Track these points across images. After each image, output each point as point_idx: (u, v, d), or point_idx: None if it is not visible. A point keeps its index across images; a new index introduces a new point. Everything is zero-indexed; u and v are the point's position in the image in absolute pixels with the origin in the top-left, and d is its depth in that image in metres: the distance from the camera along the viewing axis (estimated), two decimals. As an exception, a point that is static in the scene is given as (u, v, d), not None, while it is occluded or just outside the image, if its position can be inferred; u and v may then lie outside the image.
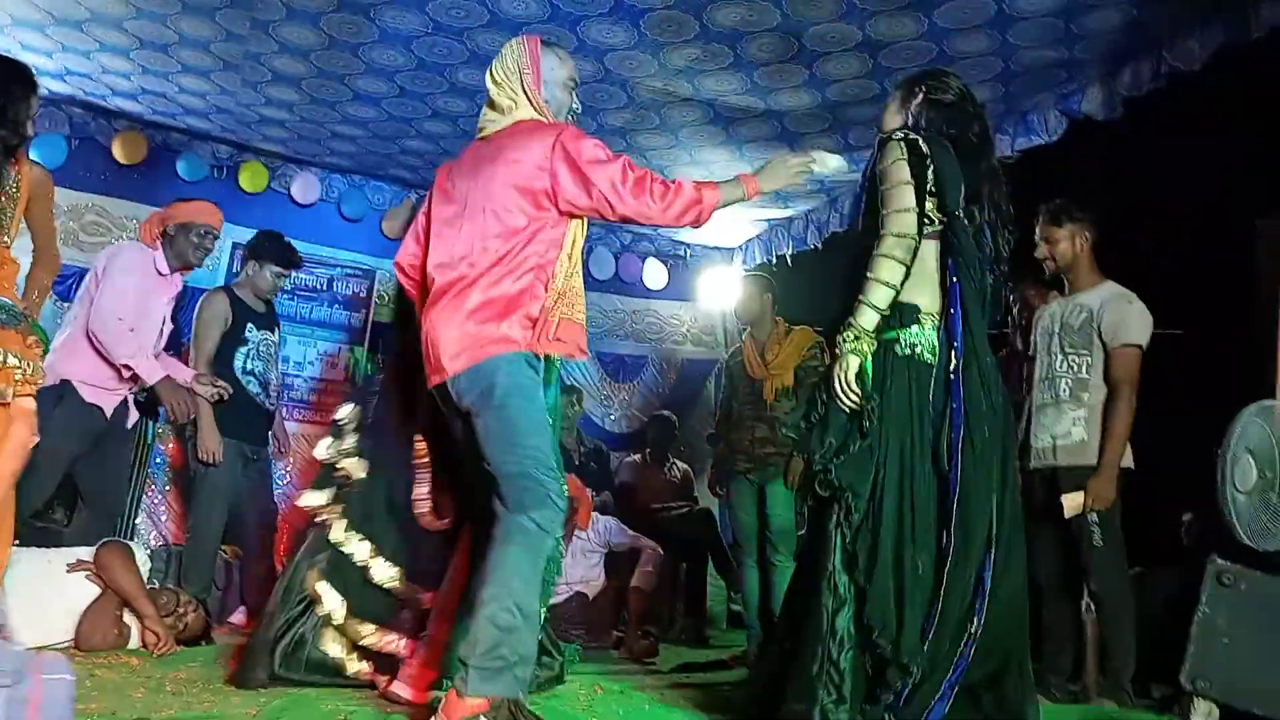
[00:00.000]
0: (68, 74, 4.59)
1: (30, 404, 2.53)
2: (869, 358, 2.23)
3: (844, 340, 2.23)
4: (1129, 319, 3.17)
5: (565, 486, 2.28)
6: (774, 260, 5.97)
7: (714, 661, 3.95)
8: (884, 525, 2.15)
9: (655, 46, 3.91)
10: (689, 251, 6.77)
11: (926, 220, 2.27)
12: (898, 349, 2.26)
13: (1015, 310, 3.86)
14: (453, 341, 2.28)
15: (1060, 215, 3.33)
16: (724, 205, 2.43)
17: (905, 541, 2.14)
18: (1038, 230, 3.38)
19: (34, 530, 3.47)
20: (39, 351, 2.70)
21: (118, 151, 5.09)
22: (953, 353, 2.23)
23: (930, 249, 2.32)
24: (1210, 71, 3.42)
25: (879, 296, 2.22)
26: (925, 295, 2.30)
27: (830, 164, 2.54)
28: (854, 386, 2.22)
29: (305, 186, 5.64)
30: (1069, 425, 3.21)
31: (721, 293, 6.61)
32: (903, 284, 2.23)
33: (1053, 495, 3.16)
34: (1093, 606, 3.38)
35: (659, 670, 3.60)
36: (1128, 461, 3.19)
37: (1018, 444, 2.36)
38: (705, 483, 5.02)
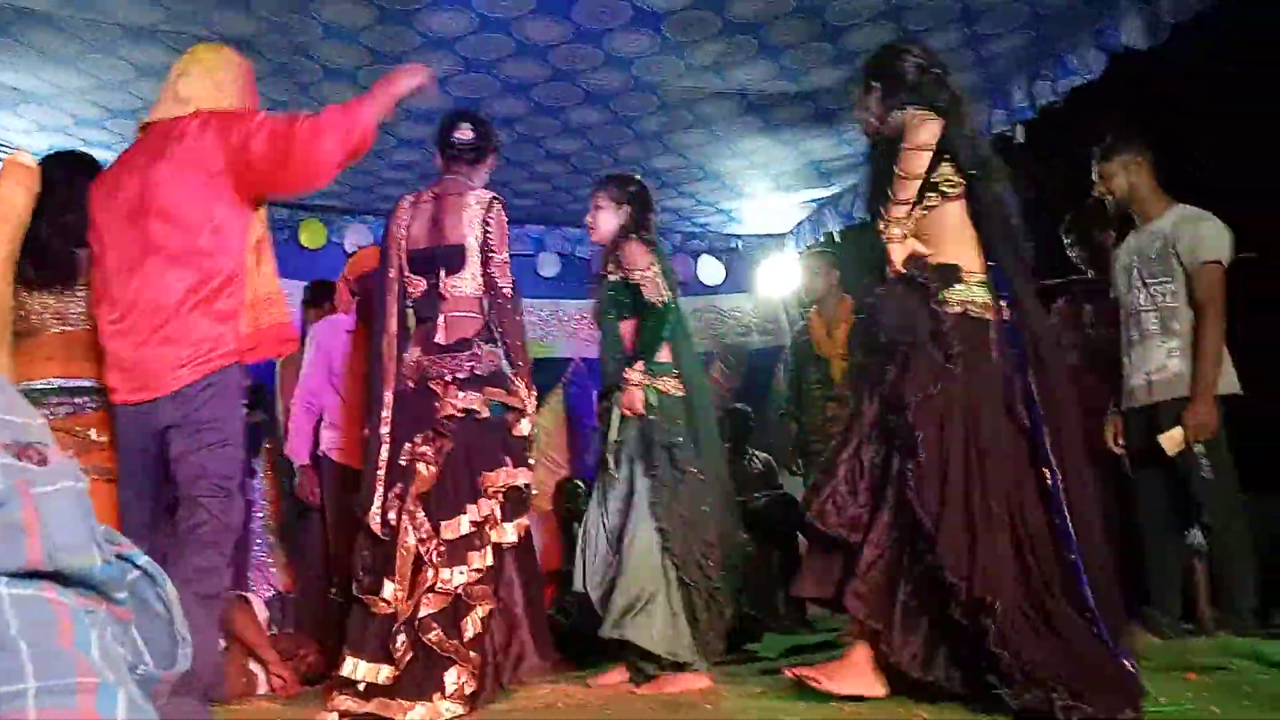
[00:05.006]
0: (131, 162, 4.84)
1: None
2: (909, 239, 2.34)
3: (884, 229, 2.34)
4: (1204, 235, 3.09)
5: None
6: (823, 238, 5.96)
7: (823, 643, 3.96)
8: (950, 470, 2.17)
9: (680, 47, 3.96)
10: (741, 243, 6.79)
11: (948, 184, 2.36)
12: (949, 308, 2.29)
13: (1078, 252, 3.81)
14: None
15: (1109, 151, 3.29)
16: (378, 117, 2.33)
17: (974, 483, 2.16)
18: (1094, 171, 3.34)
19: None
20: None
21: None
22: (1003, 304, 2.30)
23: (958, 210, 2.39)
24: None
25: (905, 190, 2.30)
26: (964, 255, 2.35)
27: None
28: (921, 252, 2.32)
29: (357, 236, 5.83)
30: (1163, 358, 3.13)
31: (779, 279, 6.62)
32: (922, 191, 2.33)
33: (1152, 434, 3.10)
34: (1201, 541, 3.31)
35: (768, 656, 3.62)
36: (1233, 387, 3.10)
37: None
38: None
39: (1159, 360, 3.14)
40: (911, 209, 2.35)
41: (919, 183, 2.32)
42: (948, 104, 2.42)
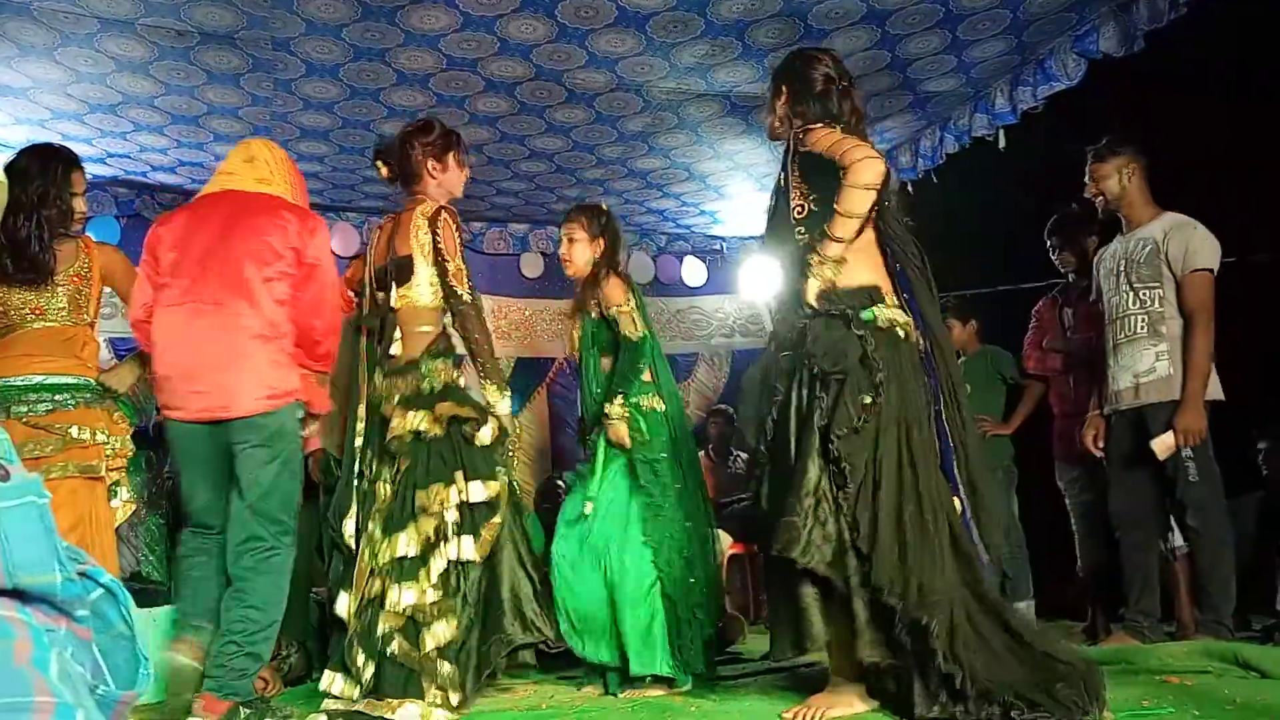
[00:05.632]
0: (109, 157, 4.79)
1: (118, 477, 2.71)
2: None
3: (817, 265, 2.28)
4: (1195, 244, 3.11)
5: None
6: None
7: (802, 645, 3.96)
8: (883, 487, 2.14)
9: (664, 48, 3.96)
10: (724, 244, 6.80)
11: None
12: (880, 324, 2.27)
13: (1061, 255, 3.83)
14: None
15: (1104, 152, 3.31)
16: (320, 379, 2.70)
17: (907, 497, 2.13)
18: (1087, 172, 3.36)
19: (134, 591, 3.60)
20: (125, 427, 2.83)
21: None
22: (917, 333, 2.32)
23: (869, 235, 2.36)
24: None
25: (846, 229, 2.24)
26: (879, 278, 2.34)
27: None
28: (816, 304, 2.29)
29: (344, 237, 5.79)
30: (1151, 361, 3.14)
31: (762, 281, 6.62)
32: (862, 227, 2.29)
33: (1138, 436, 3.12)
34: (1182, 544, 3.34)
35: (750, 658, 3.62)
36: (1217, 393, 3.12)
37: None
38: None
39: (1148, 363, 3.15)
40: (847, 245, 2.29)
41: (860, 222, 2.25)
42: (849, 117, 2.42)
